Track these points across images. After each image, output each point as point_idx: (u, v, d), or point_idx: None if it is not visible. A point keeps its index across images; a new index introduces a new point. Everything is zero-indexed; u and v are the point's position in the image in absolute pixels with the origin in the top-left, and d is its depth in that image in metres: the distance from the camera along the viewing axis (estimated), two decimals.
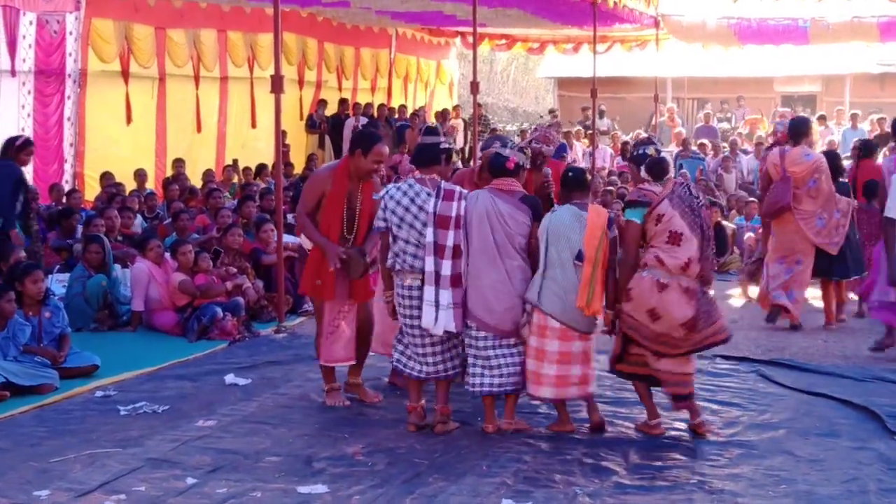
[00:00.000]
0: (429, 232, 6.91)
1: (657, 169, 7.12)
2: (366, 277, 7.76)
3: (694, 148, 20.70)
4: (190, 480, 6.17)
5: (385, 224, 7.09)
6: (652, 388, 7.17)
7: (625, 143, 22.61)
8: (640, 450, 6.78)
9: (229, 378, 8.56)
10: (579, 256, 6.79)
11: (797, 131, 10.66)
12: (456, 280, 6.91)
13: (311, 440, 6.99)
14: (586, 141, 23.42)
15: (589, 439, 6.99)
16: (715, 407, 7.67)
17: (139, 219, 13.63)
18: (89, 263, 10.65)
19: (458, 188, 7.13)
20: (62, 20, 14.89)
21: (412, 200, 7.02)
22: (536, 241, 6.93)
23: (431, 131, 7.61)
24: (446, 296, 6.88)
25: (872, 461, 6.58)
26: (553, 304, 6.84)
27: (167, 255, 10.82)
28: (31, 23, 14.36)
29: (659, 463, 6.54)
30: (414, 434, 7.09)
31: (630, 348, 7.06)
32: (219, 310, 10.17)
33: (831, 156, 11.49)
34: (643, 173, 7.16)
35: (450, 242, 6.90)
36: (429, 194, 7.00)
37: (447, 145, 7.43)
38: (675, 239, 6.84)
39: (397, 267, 7.08)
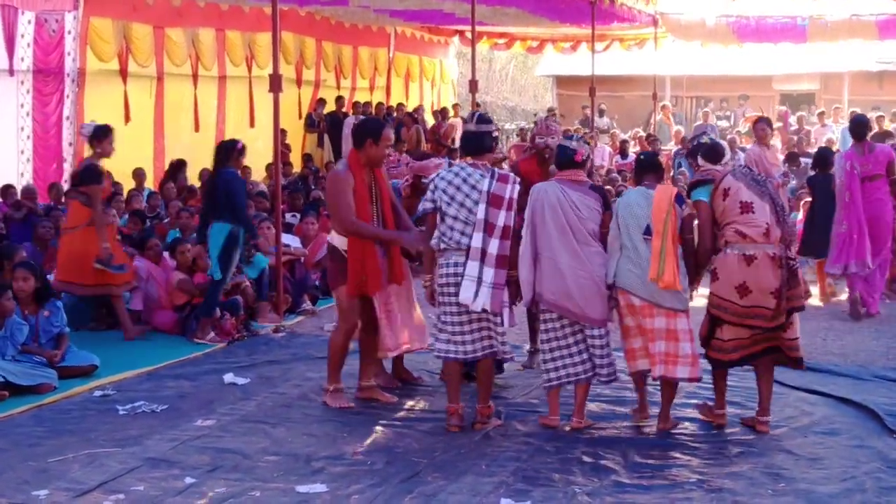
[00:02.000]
0: (481, 208, 6.91)
1: (713, 154, 7.37)
2: (401, 259, 7.75)
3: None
4: (189, 480, 6.17)
5: (433, 205, 7.07)
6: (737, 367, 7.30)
7: (623, 142, 22.60)
8: (639, 448, 6.77)
9: (228, 377, 8.56)
10: (647, 231, 6.86)
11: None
12: (501, 261, 6.91)
13: (309, 439, 6.99)
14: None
15: (588, 438, 6.99)
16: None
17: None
18: None
19: (511, 174, 7.17)
20: (61, 19, 14.88)
21: (464, 180, 7.03)
22: (608, 230, 7.02)
23: (484, 119, 7.51)
24: (490, 274, 6.88)
25: (871, 459, 6.58)
26: (631, 280, 6.90)
27: (166, 254, 10.81)
28: (29, 22, 14.35)
29: (658, 462, 6.54)
30: (413, 433, 7.09)
31: (719, 332, 7.09)
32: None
33: (823, 151, 13.27)
34: (700, 161, 7.37)
35: (500, 222, 6.91)
36: (482, 175, 7.02)
37: (497, 133, 7.44)
38: (747, 208, 6.93)
39: (443, 245, 7.06)
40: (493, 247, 6.89)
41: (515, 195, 6.98)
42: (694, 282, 7.19)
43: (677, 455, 6.69)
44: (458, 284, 6.97)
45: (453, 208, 7.01)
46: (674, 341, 6.94)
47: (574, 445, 6.82)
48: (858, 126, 11.46)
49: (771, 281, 6.88)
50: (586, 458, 6.56)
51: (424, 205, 7.16)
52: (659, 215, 6.84)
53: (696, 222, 7.13)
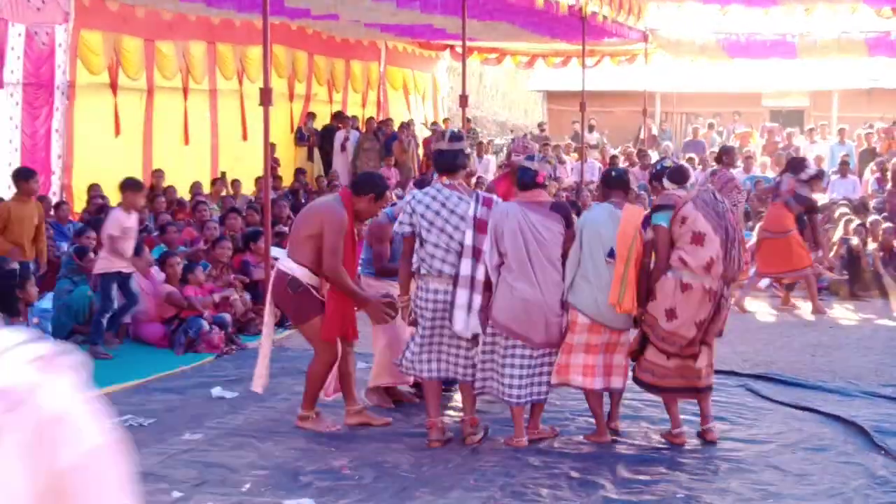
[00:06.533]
0: (468, 235, 6.86)
1: (678, 175, 7.36)
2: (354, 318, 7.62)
3: (682, 162, 20.73)
4: (176, 494, 6.14)
5: (411, 228, 6.98)
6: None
7: (613, 157, 22.63)
8: (627, 464, 6.77)
9: (216, 391, 8.54)
10: (611, 254, 6.83)
11: None
12: (487, 285, 6.90)
13: (297, 454, 6.97)
14: (576, 154, 23.44)
15: (577, 453, 6.99)
16: None
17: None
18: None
19: (495, 196, 7.13)
20: (51, 31, 14.85)
21: (442, 205, 6.94)
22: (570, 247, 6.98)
23: (456, 137, 7.38)
24: (477, 300, 6.86)
25: (859, 476, 6.58)
26: (585, 300, 6.87)
27: (154, 267, 10.79)
28: (19, 34, 14.31)
29: (646, 477, 6.54)
30: (401, 448, 7.07)
31: (647, 350, 7.13)
32: (205, 323, 10.13)
33: None
34: (666, 182, 7.33)
35: (487, 247, 6.86)
36: (460, 198, 6.95)
37: (469, 150, 7.40)
38: (698, 239, 6.93)
39: (423, 271, 6.99)
40: (481, 272, 6.88)
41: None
42: (642, 304, 7.13)
43: (665, 470, 6.69)
44: (434, 310, 6.95)
45: (433, 235, 6.92)
46: (610, 353, 7.04)
47: (562, 460, 6.81)
48: None
49: (698, 312, 6.93)
50: (574, 474, 6.55)
51: (402, 227, 7.03)
52: (625, 240, 6.83)
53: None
